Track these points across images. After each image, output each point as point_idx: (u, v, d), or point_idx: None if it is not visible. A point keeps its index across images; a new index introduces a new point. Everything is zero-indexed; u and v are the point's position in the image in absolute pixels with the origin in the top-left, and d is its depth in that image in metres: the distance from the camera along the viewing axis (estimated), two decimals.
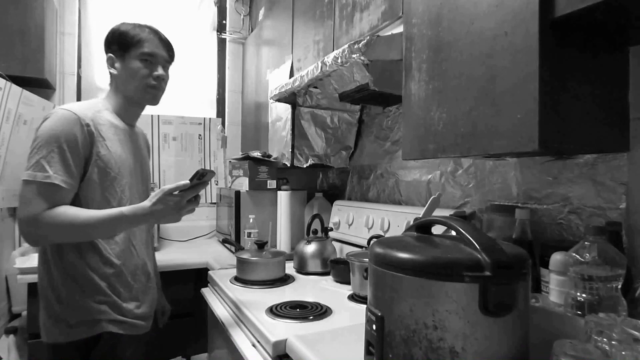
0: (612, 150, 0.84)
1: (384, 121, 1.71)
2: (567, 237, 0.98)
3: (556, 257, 0.86)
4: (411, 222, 0.87)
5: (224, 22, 2.75)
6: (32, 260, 1.66)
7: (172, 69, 1.29)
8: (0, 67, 1.76)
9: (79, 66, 2.36)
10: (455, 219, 0.72)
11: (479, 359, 0.60)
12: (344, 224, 1.75)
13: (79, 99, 2.34)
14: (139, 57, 1.18)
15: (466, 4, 0.80)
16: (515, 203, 1.11)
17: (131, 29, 1.19)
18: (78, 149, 1.06)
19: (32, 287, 1.56)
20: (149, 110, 1.30)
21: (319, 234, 1.69)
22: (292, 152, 1.82)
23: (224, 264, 1.73)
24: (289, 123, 1.81)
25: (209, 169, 1.23)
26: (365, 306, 0.73)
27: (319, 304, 1.19)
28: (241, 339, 1.10)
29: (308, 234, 1.70)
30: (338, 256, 1.67)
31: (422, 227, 0.79)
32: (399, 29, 1.05)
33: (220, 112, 2.75)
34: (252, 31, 2.67)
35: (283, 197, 1.98)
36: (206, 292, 1.55)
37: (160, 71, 1.21)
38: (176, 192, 1.04)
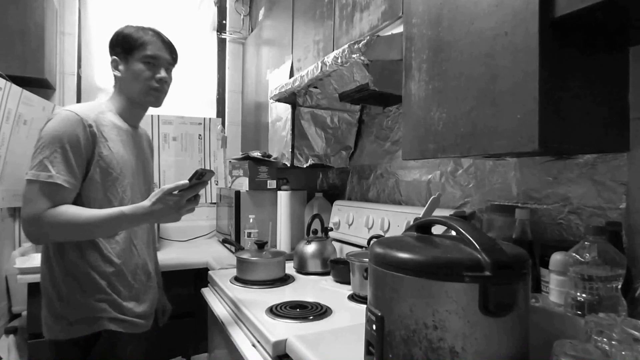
0: (612, 150, 0.84)
1: (384, 121, 1.70)
2: (567, 237, 0.98)
3: (556, 257, 0.86)
4: (411, 222, 0.87)
5: (224, 22, 2.75)
6: (32, 260, 1.66)
7: (173, 69, 1.29)
8: (0, 67, 1.76)
9: (79, 66, 2.36)
10: (455, 219, 0.72)
11: (479, 359, 0.60)
12: (344, 224, 1.75)
13: (79, 99, 2.34)
14: (142, 59, 1.19)
15: (466, 3, 0.80)
16: (515, 203, 1.11)
17: (134, 31, 1.20)
18: (80, 149, 1.08)
19: (32, 287, 1.57)
20: (149, 110, 1.30)
21: (319, 234, 1.69)
22: (292, 152, 1.82)
23: (224, 264, 1.73)
24: (289, 123, 1.81)
25: (208, 168, 1.24)
26: (365, 306, 0.73)
27: (319, 304, 1.19)
28: (241, 339, 1.11)
29: (308, 234, 1.70)
30: (338, 256, 1.67)
31: (422, 227, 0.79)
32: (399, 29, 1.05)
33: (220, 112, 2.75)
34: (252, 31, 2.67)
35: (283, 197, 1.98)
36: (206, 292, 1.55)
37: (162, 73, 1.21)
38: (176, 192, 1.05)
